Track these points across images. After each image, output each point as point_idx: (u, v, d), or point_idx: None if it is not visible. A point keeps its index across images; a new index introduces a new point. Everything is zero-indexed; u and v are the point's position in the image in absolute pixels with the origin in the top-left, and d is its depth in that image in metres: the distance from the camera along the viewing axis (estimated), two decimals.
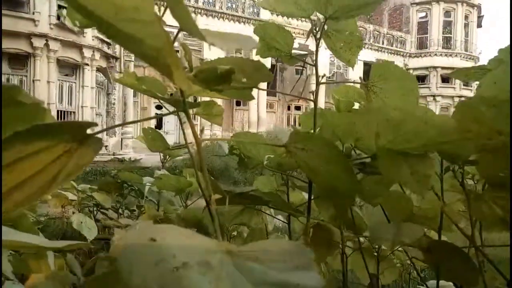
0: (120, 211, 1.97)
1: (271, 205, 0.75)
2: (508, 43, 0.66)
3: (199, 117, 0.92)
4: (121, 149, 17.03)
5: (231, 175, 9.48)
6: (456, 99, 24.70)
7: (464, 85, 25.08)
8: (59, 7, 13.69)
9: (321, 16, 0.68)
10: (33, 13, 13.17)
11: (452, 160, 0.54)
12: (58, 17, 13.60)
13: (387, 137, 0.47)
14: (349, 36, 0.73)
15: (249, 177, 9.69)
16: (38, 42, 13.17)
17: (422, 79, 25.56)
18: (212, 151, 11.32)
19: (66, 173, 0.43)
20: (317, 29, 0.68)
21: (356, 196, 0.55)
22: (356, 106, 0.96)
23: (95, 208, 1.99)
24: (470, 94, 25.27)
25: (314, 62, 0.68)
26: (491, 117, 0.39)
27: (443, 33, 25.12)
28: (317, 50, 0.67)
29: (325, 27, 0.69)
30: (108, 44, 16.06)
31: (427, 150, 0.49)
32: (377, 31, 24.47)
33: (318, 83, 0.65)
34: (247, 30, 19.59)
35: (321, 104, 22.28)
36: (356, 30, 0.73)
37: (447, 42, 25.29)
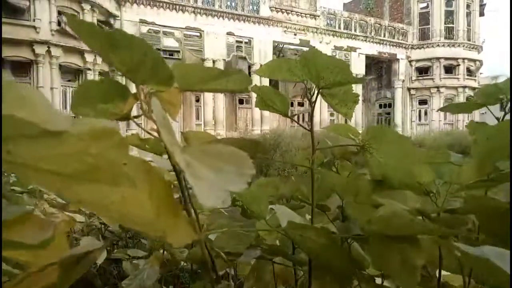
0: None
1: (275, 260, 0.78)
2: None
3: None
4: None
5: None
6: (460, 90, 24.50)
7: (467, 75, 24.87)
8: (59, 13, 13.75)
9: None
10: (34, 20, 13.24)
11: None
12: (59, 23, 13.67)
13: (378, 225, 0.49)
14: (344, 94, 0.75)
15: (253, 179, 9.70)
16: (40, 49, 13.25)
17: (425, 70, 25.40)
18: None
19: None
20: (312, 93, 0.70)
21: (352, 279, 0.57)
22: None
23: (103, 226, 2.03)
24: (474, 84, 25.03)
25: (310, 127, 0.70)
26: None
27: (445, 23, 24.88)
28: (312, 115, 0.69)
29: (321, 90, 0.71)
30: None
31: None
32: (378, 23, 24.29)
33: (314, 150, 0.67)
34: (247, 27, 19.53)
35: (324, 114, 22.00)
36: (351, 88, 0.74)
37: (449, 32, 25.05)
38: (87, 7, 14.45)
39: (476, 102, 0.94)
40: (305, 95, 0.72)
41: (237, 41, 19.81)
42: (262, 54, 19.89)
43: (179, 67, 0.46)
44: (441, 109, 1.06)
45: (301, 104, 27.02)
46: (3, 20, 12.80)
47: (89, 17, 14.60)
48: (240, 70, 0.49)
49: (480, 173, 0.70)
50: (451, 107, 1.05)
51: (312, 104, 0.70)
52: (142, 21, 17.07)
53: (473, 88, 24.87)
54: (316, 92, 0.68)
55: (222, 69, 0.48)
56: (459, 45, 24.76)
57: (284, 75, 0.69)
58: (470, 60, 25.03)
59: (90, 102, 0.49)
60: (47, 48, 13.32)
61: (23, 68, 13.35)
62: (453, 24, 24.91)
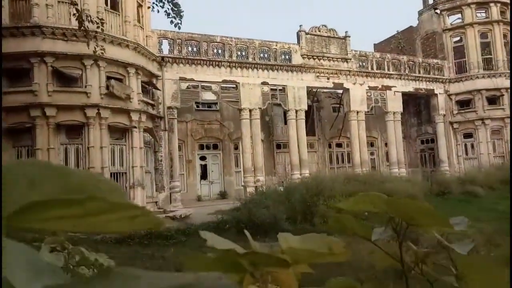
0: None
1: None
2: None
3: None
4: (170, 203, 17.53)
5: (281, 227, 9.41)
6: (507, 120, 23.40)
7: None
8: (108, 78, 14.95)
9: None
10: (86, 87, 14.44)
11: None
12: (107, 87, 14.81)
13: None
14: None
15: (299, 229, 9.56)
16: (91, 112, 14.30)
17: (466, 103, 24.66)
18: (259, 202, 11.34)
19: None
20: (398, 224, 0.76)
21: None
22: None
23: None
24: None
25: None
26: None
27: (482, 55, 24.36)
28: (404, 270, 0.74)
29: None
30: (152, 105, 17.14)
31: None
32: (411, 61, 24.23)
33: None
34: (281, 76, 20.15)
35: (365, 155, 21.68)
36: None
37: (488, 63, 24.43)
38: (132, 70, 15.63)
39: None
40: (389, 223, 0.78)
41: (271, 90, 20.40)
42: (296, 100, 20.28)
43: (291, 251, 0.54)
44: None
45: (339, 145, 26.84)
46: (62, 89, 14.12)
47: (134, 79, 15.73)
48: (338, 243, 0.56)
49: None
50: None
51: (400, 239, 0.76)
52: (182, 78, 18.14)
53: None
54: (404, 226, 0.74)
55: (327, 247, 0.55)
56: (500, 75, 24.00)
57: (367, 207, 0.76)
58: None
59: (201, 269, 0.57)
60: (97, 111, 14.36)
61: (76, 130, 14.41)
62: (491, 55, 24.34)
